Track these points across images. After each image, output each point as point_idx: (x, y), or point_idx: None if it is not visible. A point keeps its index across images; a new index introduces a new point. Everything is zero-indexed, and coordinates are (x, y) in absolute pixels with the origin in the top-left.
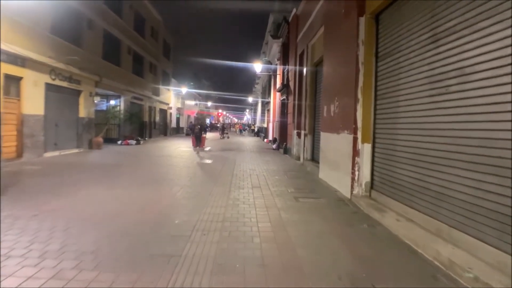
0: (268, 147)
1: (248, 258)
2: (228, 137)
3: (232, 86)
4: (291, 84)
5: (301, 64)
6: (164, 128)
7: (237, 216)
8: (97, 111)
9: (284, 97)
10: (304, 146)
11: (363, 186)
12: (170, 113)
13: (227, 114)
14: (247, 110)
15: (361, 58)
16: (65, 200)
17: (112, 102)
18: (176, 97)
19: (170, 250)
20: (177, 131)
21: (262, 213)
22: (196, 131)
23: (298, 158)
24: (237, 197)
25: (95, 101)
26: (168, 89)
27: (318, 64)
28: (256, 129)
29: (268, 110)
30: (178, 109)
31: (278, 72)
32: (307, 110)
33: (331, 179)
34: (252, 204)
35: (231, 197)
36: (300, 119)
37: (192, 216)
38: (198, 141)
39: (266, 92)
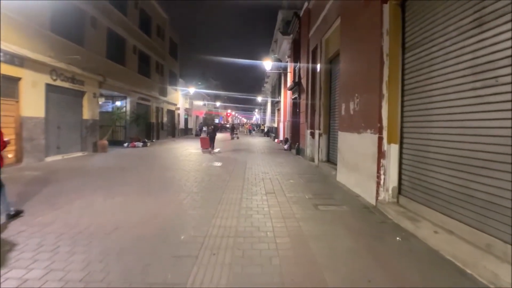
0: (280, 148)
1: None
2: (237, 138)
3: (241, 86)
4: (303, 81)
5: (314, 61)
6: (172, 129)
7: (251, 229)
8: (102, 113)
9: (296, 95)
10: (318, 147)
11: (390, 191)
12: (178, 114)
13: (236, 114)
14: (256, 110)
15: (385, 50)
16: (59, 212)
17: (118, 103)
18: (184, 98)
19: (173, 277)
20: (186, 132)
21: (279, 225)
22: (210, 132)
23: (312, 160)
24: (250, 206)
25: (100, 102)
26: (176, 89)
27: (333, 59)
28: (266, 129)
29: (279, 110)
30: (186, 110)
31: (288, 70)
32: (321, 109)
33: (351, 183)
34: (267, 214)
35: (243, 205)
36: (313, 118)
37: (200, 229)
38: (212, 142)
39: (276, 91)
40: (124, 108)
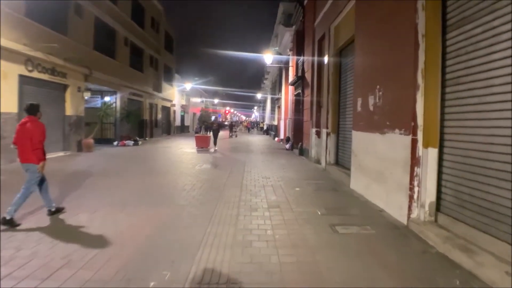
0: (280, 147)
1: None
2: (236, 136)
3: (240, 83)
4: (308, 75)
5: (320, 52)
6: (167, 127)
7: (250, 268)
8: (89, 109)
9: (299, 91)
10: (326, 148)
11: (427, 207)
12: (174, 111)
13: (235, 112)
14: (255, 107)
15: (421, 29)
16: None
17: (107, 99)
18: (180, 94)
19: None
20: (182, 130)
21: (289, 260)
22: (214, 129)
23: (318, 161)
24: (249, 227)
25: (85, 97)
26: (171, 85)
27: (344, 48)
28: (265, 127)
29: (279, 107)
30: (183, 107)
31: (290, 64)
32: (329, 105)
33: (371, 194)
34: (272, 241)
35: (240, 226)
36: (319, 116)
37: (180, 268)
38: (215, 139)
39: (276, 87)
40: (114, 104)
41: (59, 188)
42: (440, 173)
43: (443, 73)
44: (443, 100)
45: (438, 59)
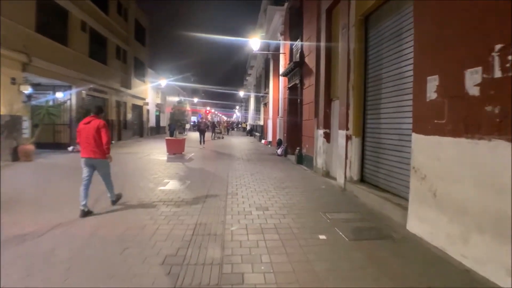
0: (270, 152)
1: None
2: (222, 138)
3: (220, 81)
4: (309, 60)
5: (329, 25)
6: (140, 128)
7: None
8: (37, 107)
9: (296, 81)
10: (346, 157)
11: None
12: (147, 110)
13: (216, 112)
14: (237, 107)
15: None
16: None
17: (60, 95)
18: (155, 92)
19: None
20: (157, 131)
21: None
22: (202, 128)
23: (328, 175)
24: None
25: (25, 92)
26: (144, 81)
27: (377, 10)
28: (248, 128)
29: (266, 104)
30: (158, 106)
31: (282, 51)
32: (350, 96)
33: (474, 255)
34: None
35: None
36: (329, 112)
37: None
38: (202, 138)
39: (261, 83)
40: (68, 101)
41: None
42: None
43: None
44: None
45: None
